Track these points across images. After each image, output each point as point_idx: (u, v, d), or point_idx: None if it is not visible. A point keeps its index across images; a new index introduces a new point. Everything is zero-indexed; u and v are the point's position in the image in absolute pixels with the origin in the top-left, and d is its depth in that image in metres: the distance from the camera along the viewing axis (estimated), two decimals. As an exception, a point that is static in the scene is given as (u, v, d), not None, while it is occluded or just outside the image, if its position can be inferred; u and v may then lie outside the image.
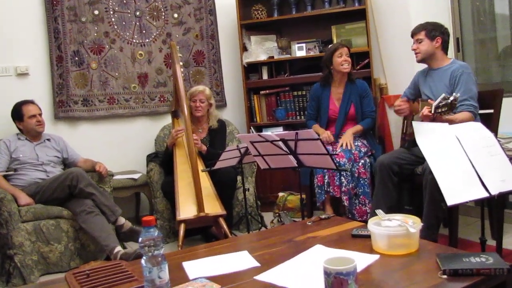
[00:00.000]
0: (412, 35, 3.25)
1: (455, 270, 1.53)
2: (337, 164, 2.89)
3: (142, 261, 1.46)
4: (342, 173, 3.49)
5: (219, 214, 3.31)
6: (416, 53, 3.23)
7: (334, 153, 3.46)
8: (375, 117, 3.91)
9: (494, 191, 2.00)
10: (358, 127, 3.79)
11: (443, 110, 2.51)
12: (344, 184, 3.49)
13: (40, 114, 3.66)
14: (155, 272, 1.45)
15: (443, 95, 2.53)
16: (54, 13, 4.06)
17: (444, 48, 3.20)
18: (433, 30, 3.14)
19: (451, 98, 2.47)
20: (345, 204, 3.50)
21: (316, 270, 1.56)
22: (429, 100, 2.81)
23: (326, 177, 3.53)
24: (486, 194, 2.00)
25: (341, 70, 3.76)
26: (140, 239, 1.45)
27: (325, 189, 3.53)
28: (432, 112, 2.58)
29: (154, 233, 1.45)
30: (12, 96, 3.76)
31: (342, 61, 3.75)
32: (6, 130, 3.73)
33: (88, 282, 1.70)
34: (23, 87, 3.98)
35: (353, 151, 3.55)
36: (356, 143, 3.65)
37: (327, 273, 1.37)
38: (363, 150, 3.63)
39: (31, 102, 3.66)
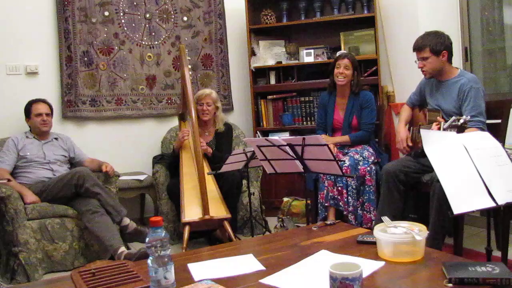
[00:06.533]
0: (415, 50, 3.11)
1: (461, 279, 1.52)
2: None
3: (149, 261, 1.46)
4: (348, 192, 3.49)
5: (224, 217, 3.31)
6: (423, 71, 3.11)
7: (341, 160, 3.46)
8: (371, 131, 3.82)
9: (501, 201, 1.99)
10: (345, 138, 3.76)
11: (452, 131, 2.50)
12: (351, 204, 3.49)
13: (48, 114, 3.68)
14: (161, 272, 1.45)
15: (453, 117, 2.51)
16: (65, 13, 4.09)
17: (450, 59, 3.10)
18: (437, 44, 3.00)
19: (461, 121, 2.45)
20: (352, 222, 3.47)
21: (322, 275, 1.56)
22: (438, 118, 2.78)
23: (327, 190, 3.51)
24: (492, 204, 2.00)
25: (335, 81, 3.77)
26: (147, 239, 1.45)
27: (327, 203, 3.51)
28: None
29: (162, 233, 1.46)
30: (21, 94, 3.80)
31: (337, 73, 3.75)
32: (15, 128, 3.77)
33: (93, 281, 1.71)
34: (32, 86, 4.00)
35: (359, 167, 3.54)
36: (363, 154, 3.63)
37: (333, 278, 1.37)
38: (370, 160, 3.62)
39: (42, 101, 3.70)
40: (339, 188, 3.49)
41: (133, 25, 4.43)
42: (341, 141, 3.76)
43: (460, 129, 2.48)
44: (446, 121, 2.61)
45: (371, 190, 3.53)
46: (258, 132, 4.78)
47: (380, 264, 1.75)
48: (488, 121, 3.05)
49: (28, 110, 3.66)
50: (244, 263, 1.87)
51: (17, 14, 3.96)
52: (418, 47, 3.08)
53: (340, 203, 3.48)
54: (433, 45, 3.01)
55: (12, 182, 3.36)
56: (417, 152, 3.12)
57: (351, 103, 3.80)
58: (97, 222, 3.27)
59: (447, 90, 3.10)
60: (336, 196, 3.50)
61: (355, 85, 3.80)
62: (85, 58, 4.21)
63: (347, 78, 3.74)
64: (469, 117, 2.53)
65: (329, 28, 4.69)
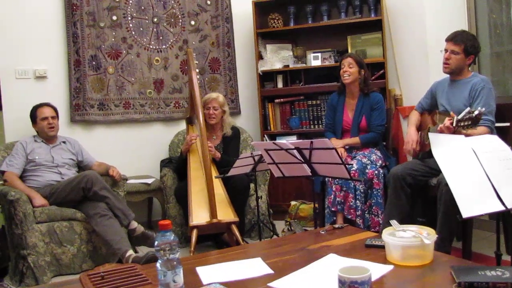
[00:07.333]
0: (449, 41, 3.09)
1: (470, 283, 1.51)
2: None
3: (158, 264, 1.47)
4: (356, 196, 3.47)
5: (232, 221, 3.31)
6: (445, 63, 3.11)
7: (349, 163, 3.45)
8: (381, 132, 3.81)
9: (510, 205, 1.98)
10: (355, 140, 3.76)
11: (466, 124, 2.47)
12: (359, 208, 3.47)
13: (54, 117, 3.68)
14: (169, 276, 1.45)
15: (468, 109, 2.47)
16: (73, 17, 4.12)
17: (470, 64, 3.13)
18: (472, 47, 3.02)
19: (476, 113, 2.41)
20: (360, 226, 3.46)
21: (330, 279, 1.56)
22: (451, 113, 2.77)
23: (335, 195, 3.50)
24: (502, 208, 1.98)
25: (342, 81, 3.77)
26: (156, 243, 1.46)
27: (334, 208, 3.50)
28: (454, 125, 2.54)
29: (170, 237, 1.47)
30: (30, 98, 3.82)
31: (342, 72, 3.76)
32: (24, 132, 3.78)
33: (102, 284, 1.72)
34: (41, 90, 4.03)
35: (367, 171, 3.53)
36: (371, 157, 3.62)
37: (341, 282, 1.37)
38: (377, 164, 3.61)
39: (46, 104, 3.71)
40: (345, 193, 3.48)
41: (141, 29, 4.45)
42: (351, 143, 3.76)
43: (474, 121, 2.44)
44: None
45: (379, 194, 3.52)
46: (265, 135, 4.78)
47: (389, 268, 1.74)
48: (497, 124, 3.04)
49: (33, 115, 3.67)
50: (252, 267, 1.87)
51: (25, 19, 3.99)
52: (454, 39, 3.07)
53: (344, 208, 3.47)
54: (469, 45, 3.03)
55: (20, 184, 3.40)
56: (425, 153, 3.11)
57: (361, 104, 3.79)
58: (105, 225, 3.28)
59: (459, 89, 3.11)
60: (343, 201, 3.49)
61: (362, 83, 3.79)
62: (93, 62, 4.24)
63: (352, 75, 3.74)
64: (484, 109, 2.50)
65: (336, 31, 4.69)
